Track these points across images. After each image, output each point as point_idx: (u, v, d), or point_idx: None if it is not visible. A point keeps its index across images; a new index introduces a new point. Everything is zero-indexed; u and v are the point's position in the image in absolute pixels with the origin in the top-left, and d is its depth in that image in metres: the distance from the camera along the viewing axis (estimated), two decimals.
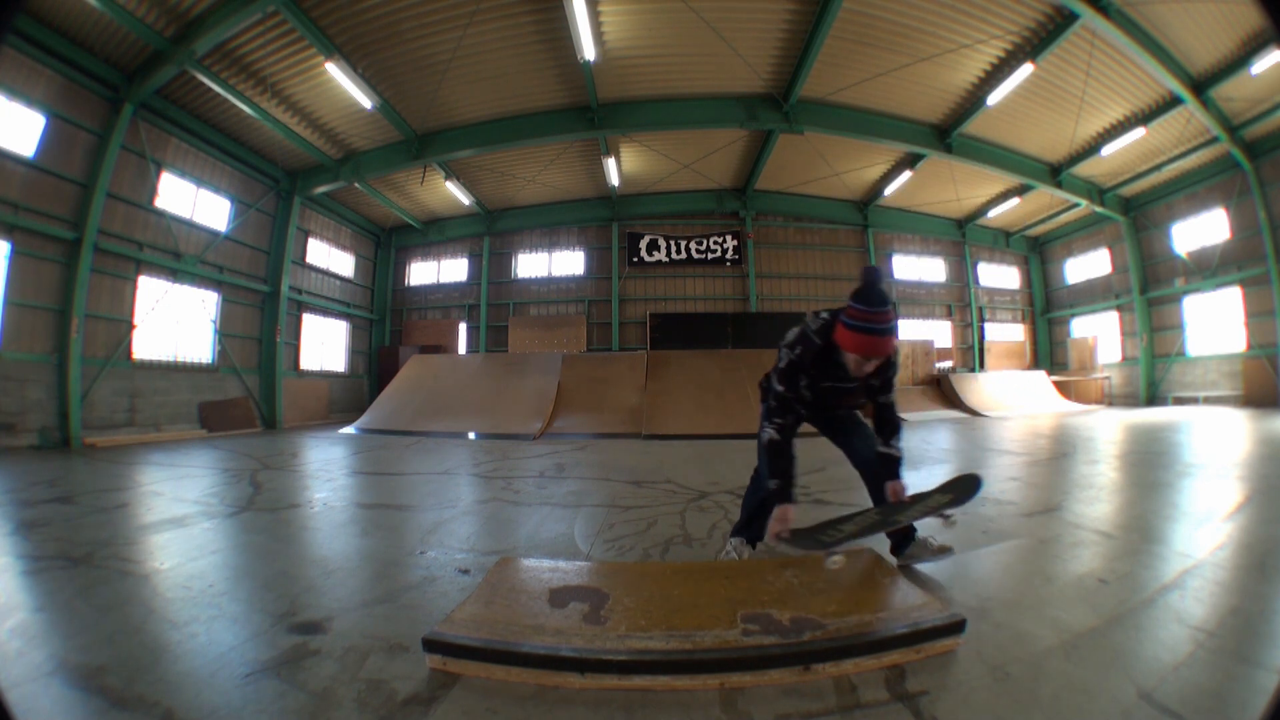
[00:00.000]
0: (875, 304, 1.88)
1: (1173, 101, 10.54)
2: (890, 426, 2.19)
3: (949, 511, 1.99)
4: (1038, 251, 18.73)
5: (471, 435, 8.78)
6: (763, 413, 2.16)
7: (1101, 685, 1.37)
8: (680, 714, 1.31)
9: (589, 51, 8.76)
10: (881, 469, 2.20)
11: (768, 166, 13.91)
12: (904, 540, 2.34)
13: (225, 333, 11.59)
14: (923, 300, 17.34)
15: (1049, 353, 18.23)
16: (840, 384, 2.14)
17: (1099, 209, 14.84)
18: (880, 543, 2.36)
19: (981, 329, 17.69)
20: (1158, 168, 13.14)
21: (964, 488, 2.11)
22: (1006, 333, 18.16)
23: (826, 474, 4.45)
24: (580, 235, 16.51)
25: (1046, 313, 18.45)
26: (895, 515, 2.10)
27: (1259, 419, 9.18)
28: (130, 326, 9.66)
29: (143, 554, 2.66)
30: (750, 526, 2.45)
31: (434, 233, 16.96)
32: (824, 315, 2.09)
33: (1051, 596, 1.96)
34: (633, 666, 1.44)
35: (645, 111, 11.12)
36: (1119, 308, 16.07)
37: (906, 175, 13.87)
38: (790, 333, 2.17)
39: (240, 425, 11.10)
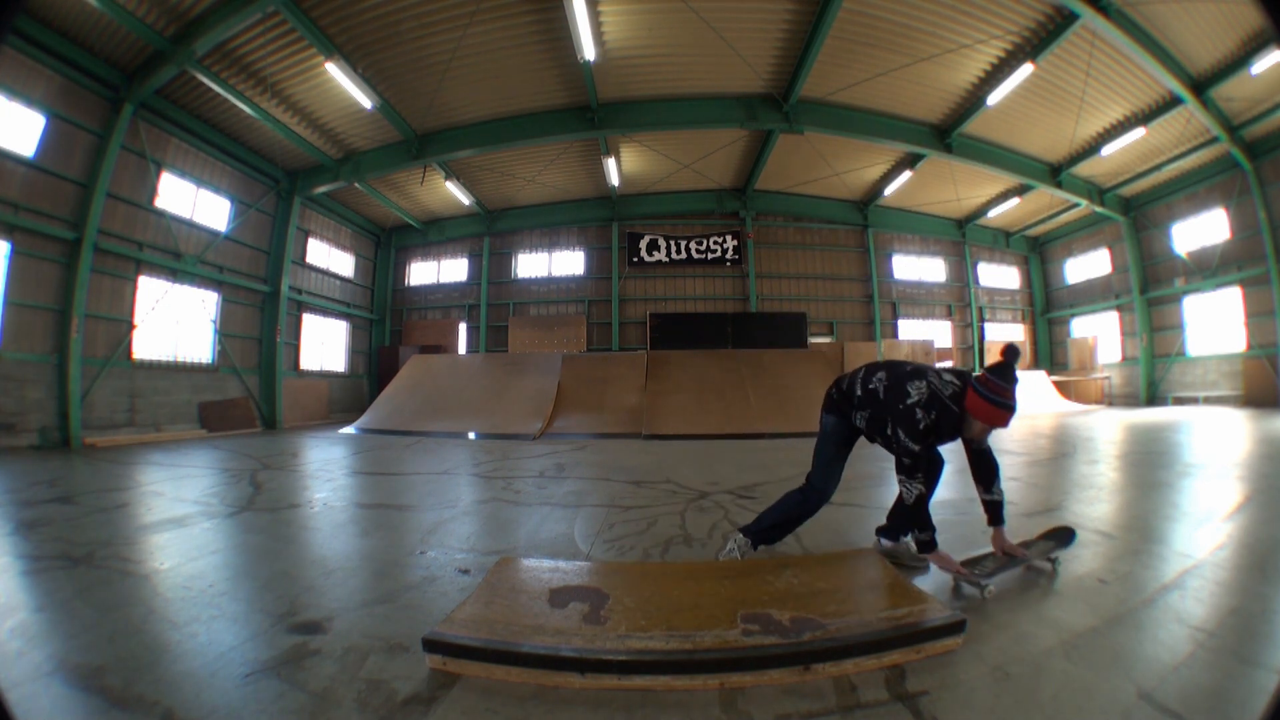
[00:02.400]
0: (1014, 381, 2.02)
1: (1173, 101, 10.53)
2: (988, 471, 2.22)
3: (1054, 554, 2.25)
4: (1038, 251, 18.72)
5: (471, 435, 8.78)
6: (900, 467, 2.12)
7: (1101, 685, 1.37)
8: (680, 714, 1.31)
9: (589, 51, 8.76)
10: (987, 514, 2.25)
11: (768, 166, 13.91)
12: (891, 534, 2.44)
13: (225, 333, 11.58)
14: (923, 300, 17.33)
15: (1049, 353, 18.23)
16: (944, 440, 2.20)
17: (1099, 209, 14.83)
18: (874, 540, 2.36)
19: (981, 329, 17.68)
20: (1158, 168, 13.14)
21: (1062, 537, 2.39)
22: (1006, 333, 18.14)
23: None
24: (580, 235, 16.50)
25: (1046, 313, 18.44)
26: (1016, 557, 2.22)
27: (1259, 419, 9.18)
28: (130, 326, 9.65)
29: (143, 554, 2.66)
30: (769, 532, 2.42)
31: (434, 233, 16.96)
32: (952, 380, 2.11)
33: (1051, 596, 1.97)
34: (633, 666, 1.44)
35: (645, 111, 11.11)
36: (1119, 308, 16.07)
37: (906, 175, 13.87)
38: (914, 390, 2.10)
39: (240, 425, 11.09)
